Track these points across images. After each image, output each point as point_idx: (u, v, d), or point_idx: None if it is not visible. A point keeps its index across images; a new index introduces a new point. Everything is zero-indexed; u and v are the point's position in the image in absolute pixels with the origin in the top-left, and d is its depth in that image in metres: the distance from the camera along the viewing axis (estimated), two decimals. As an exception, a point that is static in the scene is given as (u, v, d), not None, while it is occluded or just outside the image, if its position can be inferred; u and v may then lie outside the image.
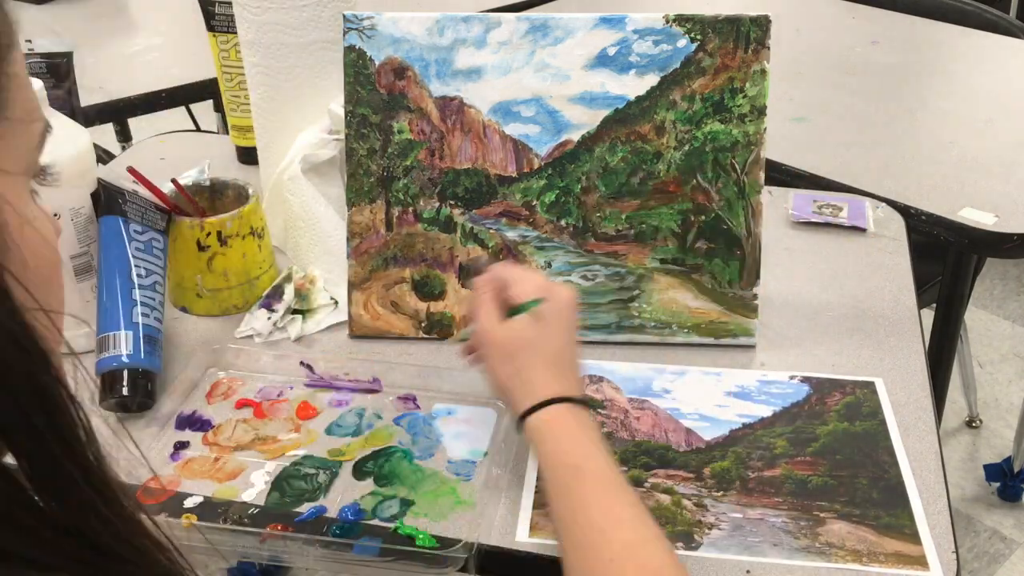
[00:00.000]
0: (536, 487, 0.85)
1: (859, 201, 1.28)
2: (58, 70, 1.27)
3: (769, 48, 0.99)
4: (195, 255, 1.03)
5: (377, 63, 1.00)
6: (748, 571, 0.77)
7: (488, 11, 1.03)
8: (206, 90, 1.67)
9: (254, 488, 0.86)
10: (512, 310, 0.82)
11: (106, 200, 0.99)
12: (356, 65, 1.00)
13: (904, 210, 1.27)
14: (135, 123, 2.22)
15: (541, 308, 0.80)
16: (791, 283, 1.12)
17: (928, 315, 1.36)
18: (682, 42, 0.99)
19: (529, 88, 1.00)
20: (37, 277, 0.41)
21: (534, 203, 1.02)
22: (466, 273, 0.96)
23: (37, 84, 0.39)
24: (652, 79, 0.99)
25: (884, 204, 1.28)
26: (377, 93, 1.00)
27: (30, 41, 1.38)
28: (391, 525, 0.82)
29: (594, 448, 0.75)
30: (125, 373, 0.92)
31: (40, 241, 0.43)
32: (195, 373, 0.99)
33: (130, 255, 0.97)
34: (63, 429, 0.39)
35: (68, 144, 0.95)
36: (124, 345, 0.93)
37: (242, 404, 0.96)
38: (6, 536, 0.38)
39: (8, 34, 0.41)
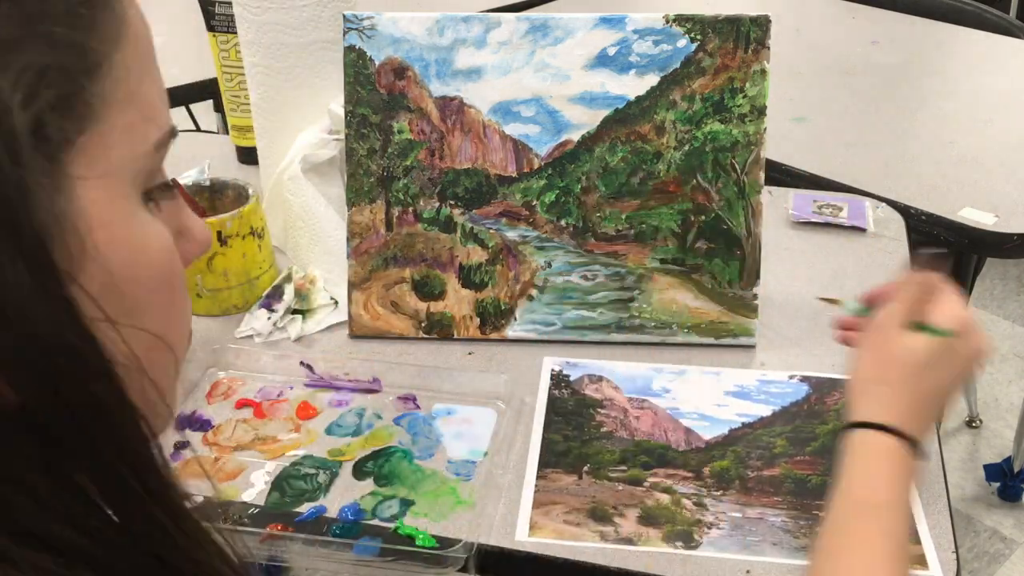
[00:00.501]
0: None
1: (859, 201, 1.28)
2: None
3: (769, 48, 0.99)
4: (195, 255, 1.03)
5: (377, 63, 1.00)
6: (748, 571, 0.77)
7: (488, 11, 1.03)
8: (206, 90, 1.67)
9: (254, 488, 0.86)
10: (918, 324, 0.75)
11: (106, 200, 0.99)
12: (356, 65, 1.00)
13: (904, 210, 1.27)
14: (135, 123, 2.22)
15: (951, 343, 0.74)
16: (791, 283, 1.12)
17: (928, 315, 1.36)
18: (682, 42, 0.99)
19: (529, 88, 1.00)
20: (126, 291, 0.39)
21: (534, 203, 1.02)
22: (921, 261, 0.85)
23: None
24: (652, 79, 0.99)
25: (884, 204, 1.28)
26: (377, 93, 1.00)
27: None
28: (391, 525, 0.82)
29: (900, 501, 0.70)
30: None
31: (134, 258, 0.40)
32: (195, 373, 0.99)
33: (130, 255, 0.97)
34: (123, 443, 0.38)
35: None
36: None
37: (242, 404, 0.96)
38: (75, 542, 0.38)
39: (112, 34, 0.39)
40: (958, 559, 0.79)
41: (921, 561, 0.78)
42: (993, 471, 2.12)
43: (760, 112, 0.99)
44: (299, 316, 1.06)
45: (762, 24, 0.98)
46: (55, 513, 0.37)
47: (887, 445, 0.71)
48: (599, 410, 0.94)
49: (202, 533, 0.42)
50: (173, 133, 0.43)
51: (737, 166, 1.00)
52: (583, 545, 0.80)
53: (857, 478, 0.71)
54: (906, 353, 0.74)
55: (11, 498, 0.36)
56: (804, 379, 0.98)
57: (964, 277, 1.51)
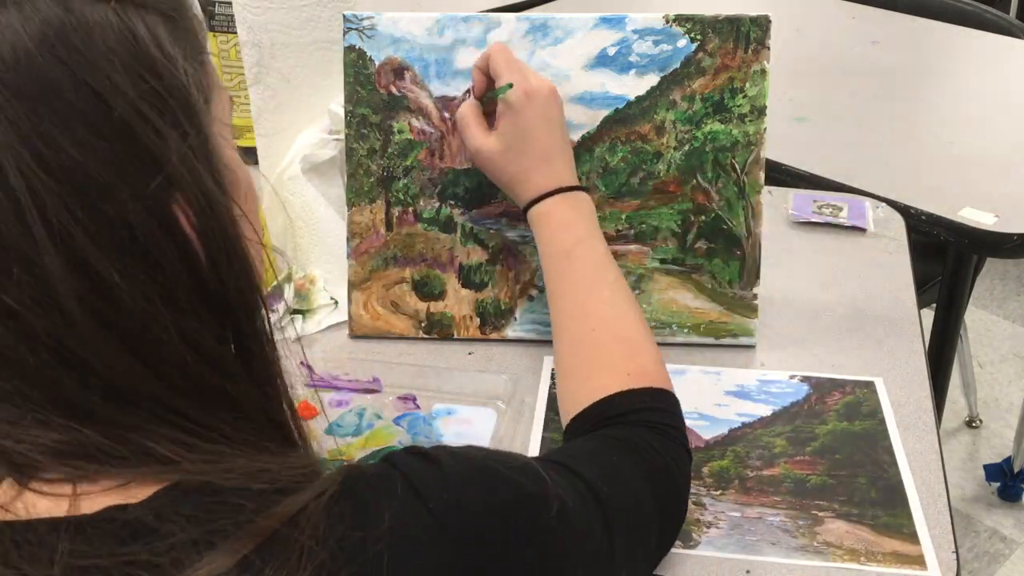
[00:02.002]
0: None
1: (859, 201, 1.28)
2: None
3: (769, 48, 0.99)
4: (195, 255, 1.03)
5: (377, 63, 1.00)
6: (748, 571, 0.77)
7: (488, 11, 1.03)
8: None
9: (254, 488, 0.86)
10: (488, 95, 0.93)
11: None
12: (356, 65, 1.00)
13: (904, 210, 1.27)
14: (135, 123, 2.22)
15: (513, 101, 0.89)
16: (791, 283, 1.12)
17: (928, 315, 1.36)
18: (682, 42, 0.99)
19: (529, 88, 1.00)
20: (247, 203, 0.57)
21: (534, 203, 1.02)
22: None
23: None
24: (652, 79, 0.99)
25: (884, 204, 1.28)
26: (377, 93, 1.00)
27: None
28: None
29: (584, 232, 0.88)
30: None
31: (249, 181, 0.58)
32: (195, 373, 0.99)
33: (130, 255, 0.97)
34: (262, 336, 0.56)
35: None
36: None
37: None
38: (218, 415, 0.52)
39: (201, 25, 0.55)
40: (958, 559, 0.79)
41: (919, 561, 0.78)
42: (993, 471, 2.13)
43: (760, 112, 0.99)
44: (299, 316, 1.06)
45: (762, 24, 0.98)
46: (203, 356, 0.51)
47: (549, 204, 0.89)
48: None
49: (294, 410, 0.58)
50: (231, 100, 0.59)
51: (737, 166, 1.00)
52: (583, 545, 0.80)
53: (546, 242, 0.89)
54: (506, 145, 0.90)
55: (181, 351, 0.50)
56: (804, 379, 0.98)
57: (964, 277, 1.51)
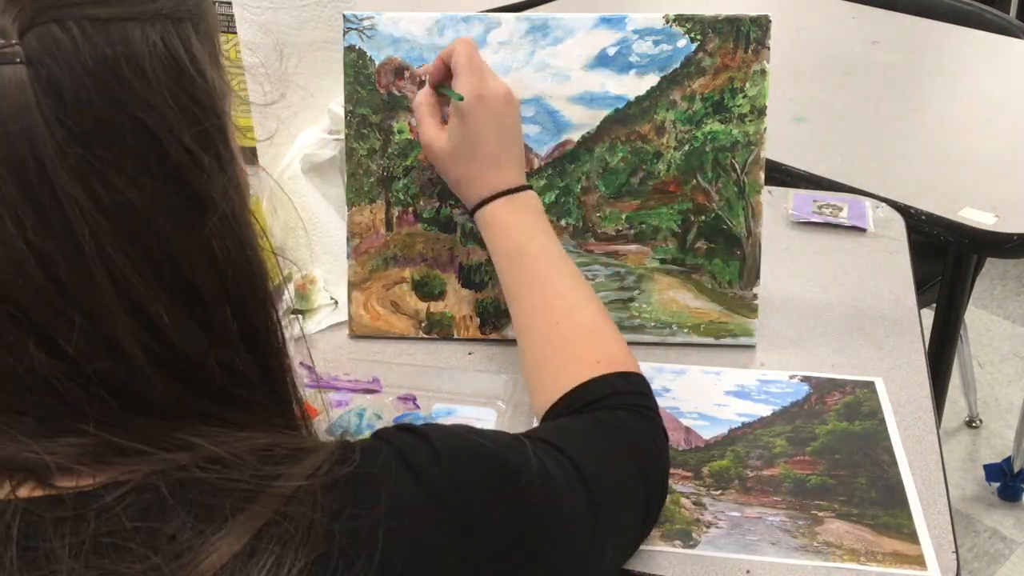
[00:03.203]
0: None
1: (859, 201, 1.28)
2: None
3: (769, 48, 0.99)
4: (195, 255, 1.03)
5: (377, 63, 1.00)
6: (748, 571, 0.77)
7: (488, 11, 1.03)
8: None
9: (254, 487, 0.86)
10: (440, 88, 0.92)
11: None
12: (356, 65, 1.00)
13: (904, 210, 1.27)
14: (136, 123, 2.22)
15: (464, 108, 0.88)
16: (791, 283, 1.12)
17: (928, 315, 1.36)
18: (682, 42, 0.99)
19: (529, 88, 1.00)
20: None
21: (534, 203, 1.02)
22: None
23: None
24: (652, 79, 0.99)
25: (884, 204, 1.28)
26: (377, 93, 1.00)
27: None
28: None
29: (533, 230, 0.88)
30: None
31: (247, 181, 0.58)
32: (195, 373, 0.99)
33: (130, 255, 0.97)
34: (279, 349, 0.58)
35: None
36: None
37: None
38: (228, 401, 0.54)
39: (215, 21, 0.58)
40: (958, 559, 0.79)
41: (919, 561, 0.78)
42: (993, 471, 2.13)
43: (760, 112, 0.99)
44: (299, 316, 1.06)
45: (762, 24, 0.98)
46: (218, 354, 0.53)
47: (496, 207, 0.89)
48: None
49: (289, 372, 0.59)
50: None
51: (737, 166, 1.00)
52: (583, 545, 0.80)
53: (497, 243, 0.89)
54: (454, 145, 0.90)
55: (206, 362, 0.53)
56: (804, 379, 0.98)
57: (964, 277, 1.51)
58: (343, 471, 0.52)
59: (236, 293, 0.54)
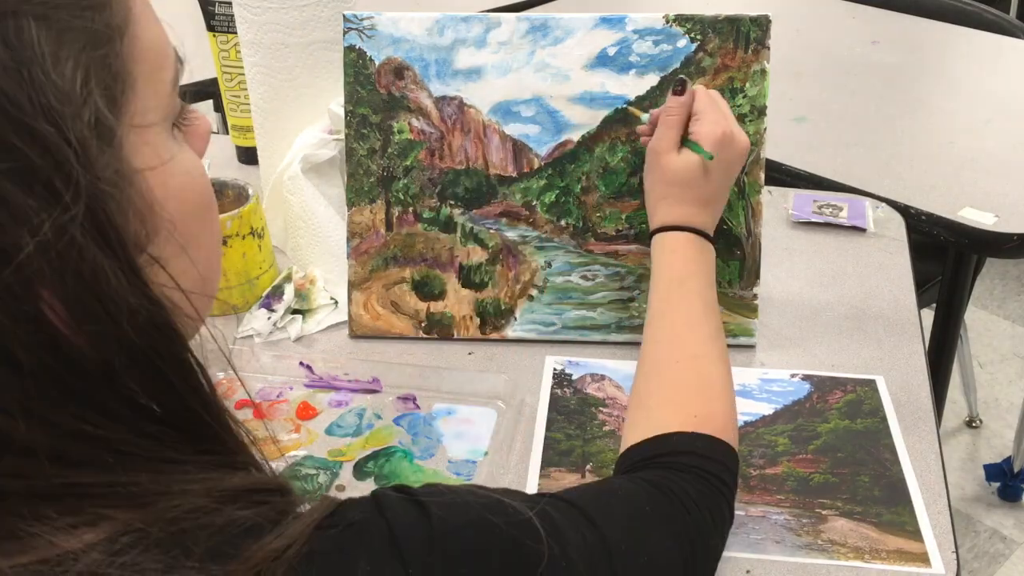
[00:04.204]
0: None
1: (859, 201, 1.28)
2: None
3: (769, 48, 0.99)
4: (195, 255, 1.03)
5: (377, 63, 1.00)
6: (748, 571, 0.77)
7: (488, 11, 1.03)
8: (206, 90, 1.67)
9: (254, 488, 0.86)
10: (686, 141, 0.91)
11: (106, 200, 0.99)
12: (356, 65, 1.00)
13: (904, 210, 1.27)
14: (135, 124, 2.22)
15: (711, 163, 0.89)
16: (791, 283, 1.12)
17: (928, 315, 1.36)
18: (682, 42, 0.99)
19: (529, 88, 1.00)
20: (186, 228, 0.47)
21: (534, 203, 1.02)
22: (673, 86, 0.93)
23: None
24: (652, 79, 0.99)
25: (884, 204, 1.28)
26: (377, 93, 1.00)
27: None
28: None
29: (702, 274, 0.87)
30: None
31: (185, 184, 0.48)
32: (195, 373, 0.98)
33: (130, 255, 0.97)
34: (179, 370, 0.47)
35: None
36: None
37: (242, 405, 0.96)
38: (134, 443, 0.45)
39: (123, 8, 0.44)
40: (958, 559, 0.79)
41: (923, 558, 0.78)
42: (993, 471, 2.12)
43: (760, 112, 0.99)
44: (299, 316, 1.06)
45: (762, 24, 0.98)
46: (125, 425, 0.44)
47: (681, 238, 0.89)
48: (601, 409, 0.94)
49: (229, 424, 0.51)
50: (181, 61, 0.49)
51: (737, 166, 1.00)
52: (584, 545, 0.80)
53: (664, 267, 0.88)
54: (681, 169, 0.90)
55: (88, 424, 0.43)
56: (806, 378, 0.98)
57: (964, 277, 1.51)
58: (321, 545, 0.46)
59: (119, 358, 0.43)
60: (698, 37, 0.99)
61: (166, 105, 0.47)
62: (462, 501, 0.53)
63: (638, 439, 0.75)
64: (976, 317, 2.66)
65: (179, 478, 0.45)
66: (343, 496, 0.83)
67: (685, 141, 0.91)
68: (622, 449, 0.77)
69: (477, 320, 1.03)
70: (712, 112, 0.91)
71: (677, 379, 0.80)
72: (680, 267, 0.87)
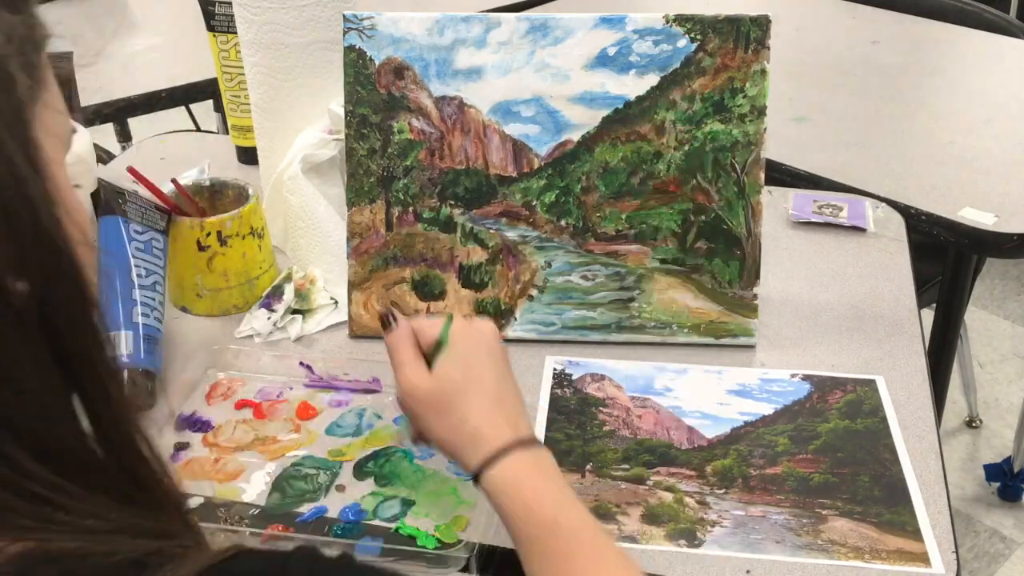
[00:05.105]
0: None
1: (859, 201, 1.28)
2: (58, 71, 1.27)
3: (769, 48, 0.99)
4: (195, 255, 1.03)
5: (377, 63, 1.00)
6: (748, 571, 0.77)
7: (488, 11, 1.03)
8: (206, 90, 1.67)
9: (254, 489, 0.86)
10: (432, 352, 0.76)
11: (106, 200, 0.99)
12: (356, 65, 1.00)
13: (904, 210, 1.27)
14: (135, 123, 2.22)
15: (457, 349, 0.75)
16: (791, 283, 1.12)
17: (928, 315, 1.36)
18: (682, 42, 0.99)
19: (529, 88, 1.00)
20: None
21: (534, 203, 1.02)
22: (384, 320, 0.82)
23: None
24: (652, 79, 0.99)
25: (884, 204, 1.28)
26: (377, 93, 1.00)
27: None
28: (392, 525, 0.82)
29: (563, 498, 0.69)
30: (125, 373, 0.92)
31: (72, 206, 0.49)
32: (195, 373, 0.98)
33: (130, 255, 0.97)
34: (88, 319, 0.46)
35: (68, 144, 0.95)
36: (124, 345, 0.93)
37: (242, 405, 0.96)
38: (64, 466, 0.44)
39: (42, 27, 0.48)
40: (958, 559, 0.79)
41: (923, 558, 0.78)
42: (993, 471, 2.12)
43: (760, 112, 0.99)
44: (299, 316, 1.05)
45: (762, 24, 0.98)
46: (47, 416, 0.44)
47: (521, 462, 0.70)
48: (601, 409, 0.94)
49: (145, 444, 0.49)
50: (72, 134, 0.52)
51: (737, 166, 1.00)
52: (584, 545, 0.80)
53: (522, 517, 0.68)
54: (446, 382, 0.73)
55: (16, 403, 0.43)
56: (806, 377, 0.98)
57: (964, 277, 1.51)
58: None
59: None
60: (698, 37, 0.99)
61: (64, 149, 0.51)
62: None
63: None
64: (976, 317, 2.66)
65: (70, 511, 0.44)
66: (342, 496, 0.84)
67: (431, 356, 0.77)
68: None
69: (477, 320, 1.03)
70: (429, 322, 0.79)
71: None
72: (540, 505, 0.68)
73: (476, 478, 0.71)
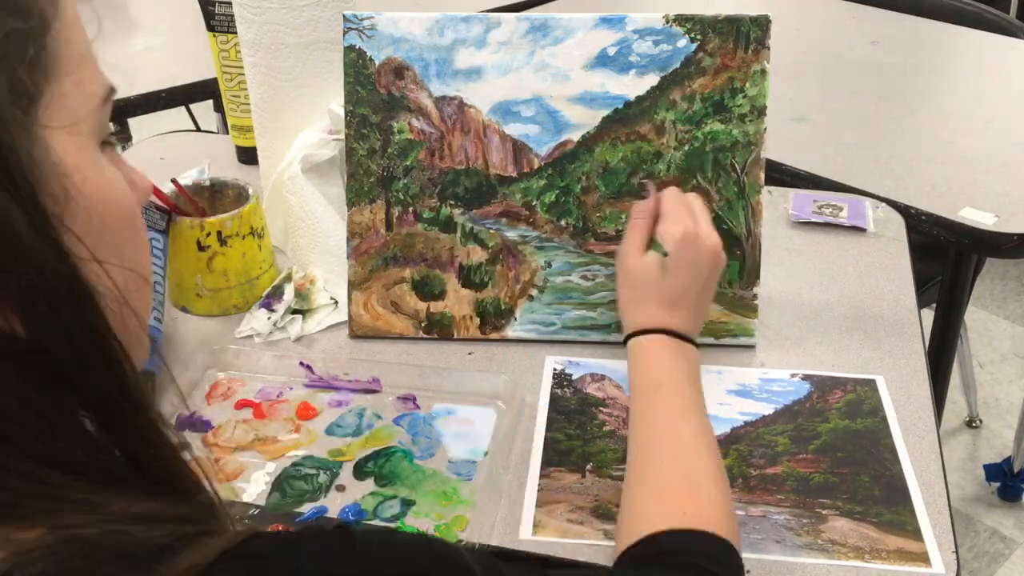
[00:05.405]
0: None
1: (859, 201, 1.28)
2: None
3: (769, 48, 0.99)
4: (195, 255, 1.03)
5: (377, 63, 1.00)
6: (748, 571, 0.77)
7: (488, 11, 1.03)
8: (206, 90, 1.67)
9: (255, 489, 0.86)
10: (652, 242, 0.93)
11: (106, 200, 0.99)
12: (356, 65, 1.00)
13: (904, 210, 1.27)
14: (135, 123, 2.22)
15: (668, 261, 0.90)
16: (791, 283, 1.12)
17: (928, 315, 1.36)
18: (682, 42, 0.99)
19: (529, 88, 1.00)
20: (104, 229, 0.45)
21: (534, 203, 1.02)
22: (640, 189, 0.98)
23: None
24: (652, 79, 0.99)
25: (884, 204, 1.28)
26: (377, 93, 1.00)
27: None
28: (392, 525, 0.82)
29: (678, 374, 0.85)
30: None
31: (106, 196, 0.46)
32: (194, 373, 0.99)
33: (130, 255, 0.97)
34: (109, 364, 0.44)
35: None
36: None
37: (242, 405, 0.96)
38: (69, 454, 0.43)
39: (53, 3, 0.44)
40: (958, 559, 0.79)
41: (923, 558, 0.78)
42: (993, 471, 2.12)
43: (760, 112, 0.99)
44: (299, 316, 1.05)
45: (762, 24, 0.98)
46: (54, 432, 0.42)
47: (649, 342, 0.88)
48: (601, 409, 0.94)
49: (167, 440, 0.47)
50: (112, 90, 0.48)
51: (737, 166, 1.00)
52: (586, 543, 0.80)
53: (637, 374, 0.87)
54: (642, 271, 0.91)
55: (19, 423, 0.41)
56: (806, 377, 0.98)
57: (964, 277, 1.51)
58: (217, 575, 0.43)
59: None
60: (698, 37, 0.99)
61: (95, 119, 0.46)
62: (401, 557, 0.50)
63: (628, 543, 0.73)
64: (976, 317, 2.66)
65: (90, 496, 0.43)
66: (342, 496, 0.84)
67: (652, 243, 0.92)
68: (615, 553, 0.75)
69: (477, 320, 1.03)
70: (676, 212, 0.92)
71: (663, 479, 0.78)
72: (653, 372, 0.86)
73: (626, 342, 0.91)
